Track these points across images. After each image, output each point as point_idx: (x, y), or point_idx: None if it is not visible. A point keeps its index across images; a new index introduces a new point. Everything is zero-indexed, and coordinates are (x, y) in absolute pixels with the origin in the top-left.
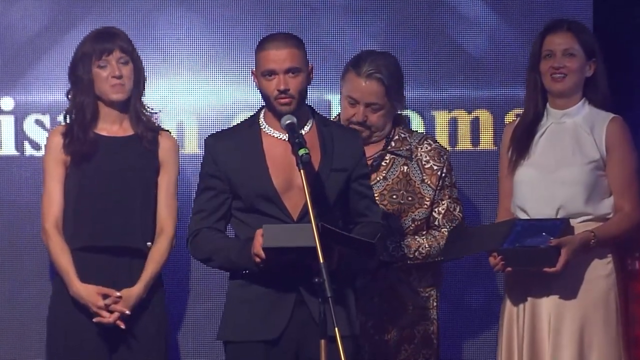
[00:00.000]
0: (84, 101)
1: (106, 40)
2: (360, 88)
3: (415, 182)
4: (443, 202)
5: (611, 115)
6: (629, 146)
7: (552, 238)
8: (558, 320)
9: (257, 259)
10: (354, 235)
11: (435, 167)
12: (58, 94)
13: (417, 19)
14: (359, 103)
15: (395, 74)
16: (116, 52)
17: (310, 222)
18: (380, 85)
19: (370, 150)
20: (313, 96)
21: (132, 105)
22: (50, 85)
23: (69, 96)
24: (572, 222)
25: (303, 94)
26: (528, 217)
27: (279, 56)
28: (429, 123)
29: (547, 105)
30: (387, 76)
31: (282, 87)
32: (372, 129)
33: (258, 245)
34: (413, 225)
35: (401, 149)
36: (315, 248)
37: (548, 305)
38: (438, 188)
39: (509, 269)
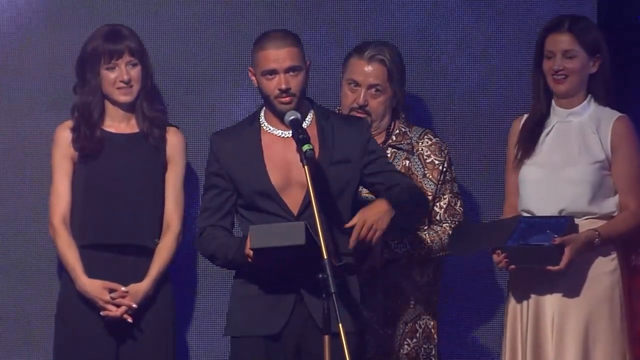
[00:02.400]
0: (91, 102)
1: (116, 41)
2: (362, 71)
3: (417, 176)
4: (444, 197)
5: (617, 114)
6: (635, 145)
7: (556, 236)
8: (562, 319)
9: (249, 259)
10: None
11: (436, 162)
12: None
13: (420, 13)
14: (360, 86)
15: (398, 61)
16: (125, 55)
17: (310, 217)
18: (383, 67)
19: None
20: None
21: (138, 104)
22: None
23: (76, 91)
24: (577, 220)
25: (303, 91)
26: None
27: (279, 55)
28: (433, 117)
29: (553, 103)
30: (390, 60)
31: (283, 87)
32: (372, 116)
33: (248, 245)
34: None
35: (402, 142)
36: (302, 246)
37: (552, 303)
38: (439, 182)
39: (513, 266)
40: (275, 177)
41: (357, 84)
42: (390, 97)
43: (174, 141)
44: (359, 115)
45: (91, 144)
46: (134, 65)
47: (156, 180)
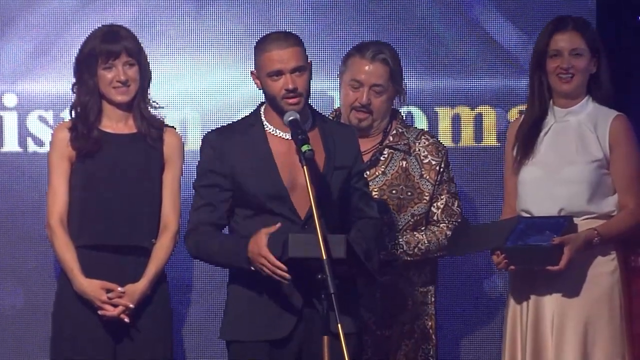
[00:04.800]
0: (88, 102)
1: (113, 42)
2: (365, 70)
3: (414, 177)
4: (442, 197)
5: (615, 113)
6: (633, 144)
7: (555, 236)
8: (562, 320)
9: (260, 261)
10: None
11: (433, 162)
12: (62, 89)
13: (420, 15)
14: (363, 85)
15: (397, 60)
16: (122, 56)
17: (315, 221)
18: (385, 66)
19: (368, 144)
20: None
21: (136, 104)
22: (54, 80)
23: (74, 90)
24: (576, 220)
25: (309, 91)
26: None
27: (284, 56)
28: (432, 119)
29: (551, 103)
30: (392, 59)
31: (290, 87)
32: (374, 115)
33: (263, 249)
34: (412, 220)
35: (399, 143)
36: (342, 260)
37: (551, 304)
38: (437, 183)
39: (512, 267)
40: (284, 179)
41: (359, 84)
42: (391, 97)
43: (171, 141)
44: (361, 114)
45: (88, 143)
46: (131, 65)
47: (153, 180)
